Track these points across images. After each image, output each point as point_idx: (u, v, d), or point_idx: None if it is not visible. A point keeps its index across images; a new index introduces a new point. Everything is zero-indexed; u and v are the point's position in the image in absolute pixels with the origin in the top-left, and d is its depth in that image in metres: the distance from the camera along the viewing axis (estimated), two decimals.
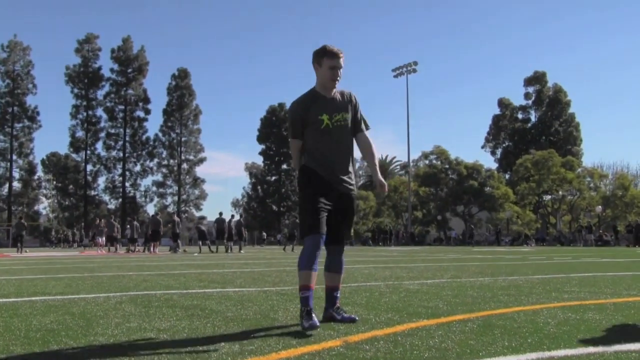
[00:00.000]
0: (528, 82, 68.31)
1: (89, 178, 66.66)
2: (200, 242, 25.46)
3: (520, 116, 69.59)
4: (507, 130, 68.62)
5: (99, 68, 66.90)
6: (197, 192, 68.70)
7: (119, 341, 3.13)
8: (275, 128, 69.43)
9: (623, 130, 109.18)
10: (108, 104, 66.75)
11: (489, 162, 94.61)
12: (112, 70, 66.80)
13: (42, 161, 66.71)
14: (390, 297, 5.22)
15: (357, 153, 3.90)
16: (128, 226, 30.01)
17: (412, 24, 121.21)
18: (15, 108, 63.52)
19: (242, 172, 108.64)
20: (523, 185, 53.70)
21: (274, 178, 70.92)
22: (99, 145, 66.70)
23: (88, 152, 66.33)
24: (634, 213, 49.66)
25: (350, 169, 3.75)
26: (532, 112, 69.08)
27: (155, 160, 67.78)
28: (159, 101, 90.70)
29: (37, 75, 76.17)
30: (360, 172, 73.55)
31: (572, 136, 66.93)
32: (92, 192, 67.16)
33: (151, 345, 3.02)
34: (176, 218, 26.77)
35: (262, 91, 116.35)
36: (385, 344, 2.94)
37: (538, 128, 68.01)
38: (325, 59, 3.60)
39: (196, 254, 21.42)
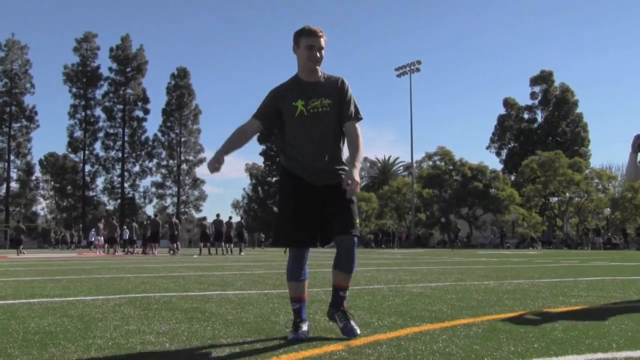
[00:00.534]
0: (534, 81, 67.39)
1: (87, 178, 66.35)
2: (202, 244, 25.33)
3: (526, 116, 68.51)
4: (513, 131, 67.67)
5: (98, 67, 66.74)
6: (196, 193, 68.50)
7: (117, 344, 3.09)
8: (276, 128, 69.27)
9: (632, 130, 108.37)
10: (107, 104, 66.52)
11: (494, 163, 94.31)
12: (110, 69, 66.65)
13: (40, 161, 66.61)
14: (393, 301, 5.18)
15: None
16: (125, 227, 29.98)
17: (416, 23, 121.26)
18: (13, 108, 63.31)
19: (243, 173, 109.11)
20: (529, 186, 53.11)
21: (274, 179, 70.68)
22: (98, 146, 66.56)
23: (86, 152, 66.03)
24: None
25: (336, 157, 3.41)
26: (539, 112, 68.12)
27: (155, 160, 67.57)
28: (158, 101, 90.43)
29: (35, 75, 76.32)
30: (363, 174, 73.41)
31: (580, 137, 65.68)
32: (91, 193, 66.87)
33: (150, 348, 2.99)
34: (175, 220, 26.71)
35: (262, 91, 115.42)
36: (388, 349, 2.91)
37: (544, 128, 67.01)
38: (302, 38, 3.34)
39: (195, 256, 21.35)
